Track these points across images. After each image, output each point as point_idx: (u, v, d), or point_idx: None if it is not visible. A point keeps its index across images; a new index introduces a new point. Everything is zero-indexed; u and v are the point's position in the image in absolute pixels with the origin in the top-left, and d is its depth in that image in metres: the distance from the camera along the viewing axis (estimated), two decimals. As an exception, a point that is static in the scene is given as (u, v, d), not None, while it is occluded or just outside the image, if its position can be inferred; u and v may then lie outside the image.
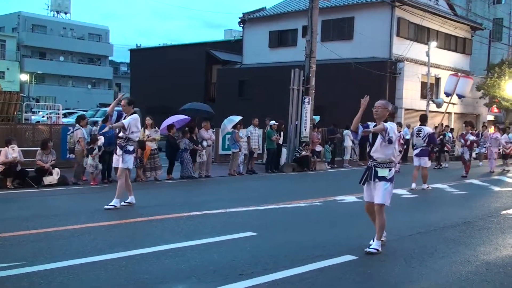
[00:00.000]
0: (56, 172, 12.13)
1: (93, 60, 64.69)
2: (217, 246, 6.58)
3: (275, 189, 13.58)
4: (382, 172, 6.47)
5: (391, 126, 6.44)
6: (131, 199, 9.58)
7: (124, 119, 9.33)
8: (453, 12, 32.67)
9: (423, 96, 26.86)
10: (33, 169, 12.31)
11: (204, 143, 14.94)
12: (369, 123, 6.68)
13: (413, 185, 13.15)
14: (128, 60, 54.69)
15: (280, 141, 17.65)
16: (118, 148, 9.42)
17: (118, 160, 9.44)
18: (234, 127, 16.16)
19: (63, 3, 63.08)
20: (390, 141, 6.38)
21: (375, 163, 6.53)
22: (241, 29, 34.82)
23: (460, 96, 24.44)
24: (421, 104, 26.39)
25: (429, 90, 26.38)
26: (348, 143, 20.77)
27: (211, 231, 7.34)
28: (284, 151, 18.24)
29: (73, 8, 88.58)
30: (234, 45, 36.08)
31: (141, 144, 12.87)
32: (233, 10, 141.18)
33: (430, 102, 26.35)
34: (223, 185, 14.11)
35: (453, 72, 25.11)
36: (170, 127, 14.57)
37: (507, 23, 40.42)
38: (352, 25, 28.50)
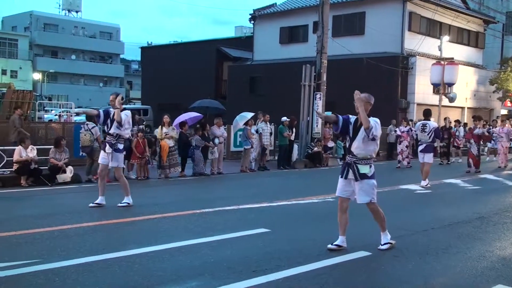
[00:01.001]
0: (70, 170, 12.20)
1: (104, 58, 65.07)
2: (230, 242, 6.58)
3: (287, 186, 13.56)
4: (363, 169, 6.17)
5: (374, 122, 6.14)
6: (100, 199, 9.06)
7: (113, 114, 8.91)
8: (466, 6, 32.40)
9: (435, 91, 26.67)
10: (46, 167, 12.40)
11: (216, 140, 14.96)
12: (350, 116, 6.45)
13: (423, 182, 12.78)
14: (139, 58, 54.92)
15: (292, 138, 17.61)
16: (107, 146, 9.00)
17: (104, 158, 9.02)
18: (246, 123, 16.15)
19: (74, 2, 63.55)
20: (373, 139, 6.12)
21: (355, 159, 6.21)
22: (251, 25, 34.81)
23: (449, 84, 24.29)
24: (434, 99, 26.21)
25: (446, 86, 26.16)
26: (360, 138, 20.64)
27: (224, 228, 7.34)
28: (295, 147, 18.20)
29: (83, 7, 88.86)
30: (245, 42, 36.11)
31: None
32: (241, 6, 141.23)
33: (443, 96, 26.15)
34: (235, 181, 14.12)
35: (434, 61, 24.92)
36: (182, 124, 14.61)
37: (521, 16, 39.97)
38: (363, 20, 28.37)
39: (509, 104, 33.82)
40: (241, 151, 16.76)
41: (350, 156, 6.28)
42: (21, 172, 11.87)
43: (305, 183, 14.38)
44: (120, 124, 8.87)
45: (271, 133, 17.36)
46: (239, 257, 5.84)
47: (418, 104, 26.47)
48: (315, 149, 18.17)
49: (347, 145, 6.41)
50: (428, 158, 12.89)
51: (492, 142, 22.44)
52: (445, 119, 21.72)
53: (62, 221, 7.69)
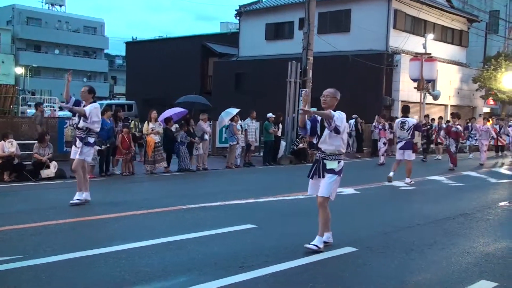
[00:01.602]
0: (54, 165, 12.09)
1: (88, 53, 64.45)
2: (217, 238, 6.58)
3: (273, 182, 13.58)
4: (330, 165, 6.08)
5: (339, 114, 6.01)
6: (85, 195, 8.82)
7: (84, 119, 8.71)
8: (450, 5, 32.66)
9: (419, 88, 26.80)
10: (30, 163, 12.27)
11: (206, 136, 14.94)
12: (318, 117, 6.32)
13: (391, 173, 12.67)
14: (123, 53, 54.53)
15: (279, 134, 17.64)
16: (77, 140, 8.81)
17: (75, 153, 8.79)
18: (232, 119, 16.13)
19: (57, -4, 62.82)
20: (337, 131, 5.95)
21: (323, 155, 6.12)
22: (237, 21, 34.73)
23: (428, 81, 24.45)
24: (418, 97, 26.35)
25: (425, 82, 26.34)
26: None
27: (211, 224, 7.34)
28: (283, 143, 18.23)
29: (67, 1, 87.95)
30: (231, 38, 36.01)
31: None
32: (225, 2, 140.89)
33: (427, 94, 26.35)
34: (221, 177, 14.10)
35: (412, 57, 25.09)
36: (167, 120, 14.55)
37: (504, 15, 40.38)
38: (349, 17, 28.46)
39: (491, 102, 34.23)
40: (226, 147, 16.74)
41: (319, 152, 6.20)
42: (4, 168, 11.74)
43: (291, 179, 14.40)
44: (85, 117, 8.66)
45: (256, 129, 17.38)
46: (226, 253, 5.85)
47: (403, 102, 26.56)
48: (300, 145, 18.21)
49: (316, 143, 6.29)
50: (408, 155, 12.77)
51: (470, 139, 22.64)
52: (425, 116, 21.86)
53: (47, 216, 7.62)
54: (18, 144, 12.30)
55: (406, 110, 13.21)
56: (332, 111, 6.00)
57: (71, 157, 8.98)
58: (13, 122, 15.05)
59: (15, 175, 11.84)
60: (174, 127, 14.64)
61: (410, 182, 12.64)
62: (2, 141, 11.89)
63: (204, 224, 7.32)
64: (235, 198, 9.61)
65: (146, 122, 13.98)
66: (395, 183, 12.67)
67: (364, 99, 25.01)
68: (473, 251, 6.30)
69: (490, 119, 24.39)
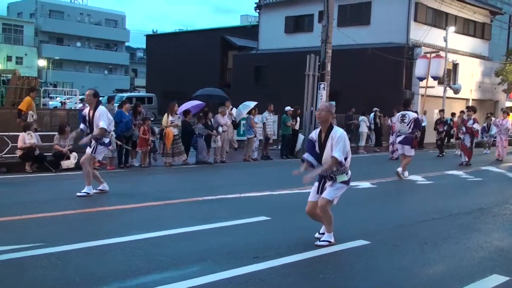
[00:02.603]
0: (74, 156, 12.27)
1: (109, 46, 65.02)
2: (231, 230, 6.66)
3: (289, 175, 13.47)
4: (341, 178, 5.96)
5: (340, 133, 5.85)
6: (102, 186, 9.09)
7: (89, 115, 8.81)
8: (472, -3, 32.19)
9: (440, 82, 26.61)
10: (51, 154, 12.49)
11: (220, 129, 14.99)
12: (311, 135, 6.21)
13: (406, 174, 12.47)
14: (144, 46, 54.92)
15: (297, 127, 17.64)
16: (92, 141, 8.88)
17: (90, 149, 8.92)
18: (249, 112, 16.18)
19: (80, -11, 63.43)
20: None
21: (330, 171, 5.95)
22: (257, 14, 34.72)
23: (435, 78, 24.18)
24: (439, 91, 26.16)
25: (446, 76, 26.11)
26: (363, 129, 20.69)
27: (225, 216, 7.41)
28: (300, 137, 18.22)
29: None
30: (250, 31, 36.03)
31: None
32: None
33: (448, 88, 26.11)
34: (238, 170, 14.18)
35: (421, 55, 24.87)
36: (186, 112, 14.65)
37: (528, 8, 39.68)
38: (369, 10, 28.25)
39: (514, 96, 33.72)
40: (244, 140, 16.81)
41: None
42: (26, 158, 11.97)
43: (307, 173, 14.41)
44: (105, 132, 8.81)
45: (274, 122, 17.41)
46: (240, 244, 5.92)
47: (423, 96, 26.41)
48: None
49: (316, 160, 6.08)
50: (408, 150, 12.54)
51: (486, 136, 21.94)
52: (440, 111, 21.52)
53: (66, 206, 7.78)
54: (39, 135, 12.53)
55: (407, 104, 12.98)
56: (335, 155, 5.77)
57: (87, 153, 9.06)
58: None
59: (36, 166, 12.07)
60: (192, 119, 14.75)
61: (405, 176, 12.33)
62: (23, 133, 12.13)
63: (219, 216, 7.40)
64: (250, 191, 9.67)
65: (166, 114, 14.09)
66: (412, 177, 12.61)
67: (383, 92, 24.84)
68: (487, 246, 6.27)
69: (511, 113, 23.87)
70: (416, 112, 21.62)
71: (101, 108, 8.91)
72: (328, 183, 6.03)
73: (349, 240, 6.17)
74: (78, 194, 8.71)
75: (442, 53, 25.25)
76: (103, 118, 8.75)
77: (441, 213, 8.15)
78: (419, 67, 24.50)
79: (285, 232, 6.61)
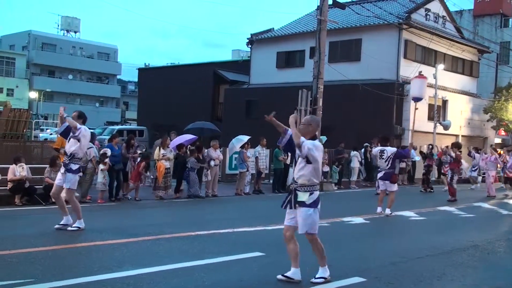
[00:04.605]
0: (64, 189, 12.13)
1: (101, 79, 65.25)
2: (225, 266, 6.57)
3: (282, 210, 13.50)
4: (301, 197, 5.79)
5: (312, 143, 5.79)
6: (65, 220, 8.74)
7: (73, 133, 8.64)
8: (460, 35, 32.83)
9: (430, 118, 26.88)
10: (41, 186, 12.36)
11: (212, 163, 14.97)
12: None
13: (379, 209, 12.19)
14: (135, 79, 55.16)
15: (288, 161, 17.64)
16: (62, 167, 8.81)
17: (59, 180, 8.70)
18: (242, 146, 16.20)
19: (73, 22, 63.93)
20: (308, 160, 5.74)
21: (296, 185, 5.88)
22: (248, 49, 35.11)
23: (416, 99, 24.08)
24: (428, 126, 26.39)
25: (436, 112, 26.41)
26: (355, 164, 20.75)
27: (219, 251, 7.33)
28: (291, 171, 18.19)
29: (82, 27, 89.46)
30: (242, 65, 36.34)
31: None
32: (232, 29, 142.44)
33: (438, 124, 26.36)
34: (230, 204, 14.10)
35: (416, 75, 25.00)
36: (180, 146, 14.66)
37: (514, 47, 40.52)
38: (359, 46, 28.67)
39: (503, 133, 34.10)
40: (236, 174, 16.78)
41: (293, 182, 6.00)
42: (16, 191, 11.84)
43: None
44: (75, 129, 8.57)
45: (266, 156, 17.42)
46: (233, 281, 5.83)
47: (414, 131, 26.60)
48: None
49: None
50: (390, 186, 12.27)
51: (471, 171, 21.87)
52: (429, 146, 21.49)
53: (56, 241, 7.67)
54: (29, 168, 12.43)
55: (385, 140, 12.85)
56: (303, 138, 5.80)
57: (55, 183, 8.87)
58: (26, 146, 15.23)
59: (26, 199, 11.93)
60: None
61: (390, 214, 12.06)
62: (14, 165, 12.01)
63: (212, 251, 7.31)
64: (243, 226, 9.59)
65: (158, 147, 14.07)
66: (405, 213, 12.60)
67: (374, 128, 24.95)
68: (483, 284, 6.23)
69: (501, 150, 23.98)
70: (404, 147, 21.85)
71: (85, 127, 8.80)
72: (292, 205, 5.91)
73: (345, 277, 6.10)
74: (69, 228, 8.58)
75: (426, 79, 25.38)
76: (82, 128, 8.64)
77: (435, 250, 8.10)
78: (414, 89, 24.50)
79: (280, 268, 6.50)
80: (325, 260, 5.94)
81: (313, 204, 5.82)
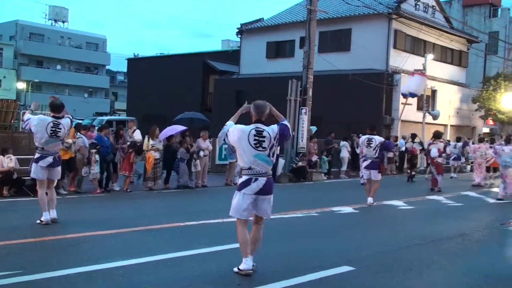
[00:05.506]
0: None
1: (90, 69, 64.74)
2: (215, 256, 6.58)
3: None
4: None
5: (232, 127, 6.05)
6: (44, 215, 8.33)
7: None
8: (449, 25, 32.94)
9: (419, 108, 27.00)
10: (29, 177, 12.26)
11: (201, 153, 14.93)
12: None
13: (370, 200, 12.01)
14: (124, 69, 54.79)
15: (278, 152, 17.63)
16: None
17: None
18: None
19: (61, 12, 63.26)
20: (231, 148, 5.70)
21: None
22: (238, 39, 34.99)
23: (412, 95, 24.34)
24: (417, 116, 26.53)
25: (425, 102, 26.52)
26: (345, 154, 20.79)
27: (209, 241, 7.33)
28: (281, 161, 18.23)
29: (70, 17, 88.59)
30: (232, 56, 36.22)
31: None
32: (222, 19, 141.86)
33: (427, 114, 26.48)
34: (220, 195, 14.08)
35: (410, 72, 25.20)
36: (170, 137, 14.59)
37: (503, 37, 40.74)
38: (349, 36, 28.69)
39: (491, 122, 34.35)
40: (226, 164, 16.77)
41: None
42: (4, 182, 11.75)
43: (289, 197, 14.39)
44: (23, 121, 8.49)
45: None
46: (224, 271, 5.84)
47: (402, 121, 26.71)
48: (300, 163, 18.23)
49: None
50: (375, 175, 12.16)
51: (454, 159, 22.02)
52: (412, 135, 21.49)
53: (45, 232, 7.62)
54: (17, 159, 12.33)
55: (373, 128, 12.82)
56: (229, 122, 6.14)
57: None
58: (14, 137, 15.12)
59: (14, 190, 11.84)
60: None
61: (372, 203, 11.94)
62: (1, 156, 11.91)
63: (202, 242, 7.31)
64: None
65: (147, 138, 13.99)
66: (394, 202, 12.68)
67: (364, 118, 25.03)
68: (472, 272, 6.28)
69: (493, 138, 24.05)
70: (393, 136, 21.93)
71: (41, 116, 8.67)
72: None
73: (334, 266, 6.12)
74: (38, 221, 8.26)
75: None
76: (31, 116, 8.42)
77: (424, 239, 8.16)
78: (411, 84, 24.59)
79: (270, 258, 6.54)
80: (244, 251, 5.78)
81: (239, 187, 6.07)
